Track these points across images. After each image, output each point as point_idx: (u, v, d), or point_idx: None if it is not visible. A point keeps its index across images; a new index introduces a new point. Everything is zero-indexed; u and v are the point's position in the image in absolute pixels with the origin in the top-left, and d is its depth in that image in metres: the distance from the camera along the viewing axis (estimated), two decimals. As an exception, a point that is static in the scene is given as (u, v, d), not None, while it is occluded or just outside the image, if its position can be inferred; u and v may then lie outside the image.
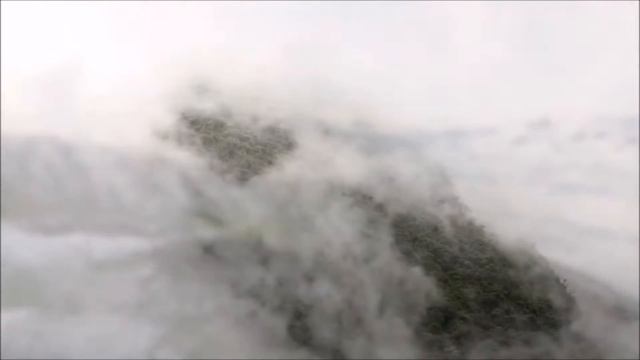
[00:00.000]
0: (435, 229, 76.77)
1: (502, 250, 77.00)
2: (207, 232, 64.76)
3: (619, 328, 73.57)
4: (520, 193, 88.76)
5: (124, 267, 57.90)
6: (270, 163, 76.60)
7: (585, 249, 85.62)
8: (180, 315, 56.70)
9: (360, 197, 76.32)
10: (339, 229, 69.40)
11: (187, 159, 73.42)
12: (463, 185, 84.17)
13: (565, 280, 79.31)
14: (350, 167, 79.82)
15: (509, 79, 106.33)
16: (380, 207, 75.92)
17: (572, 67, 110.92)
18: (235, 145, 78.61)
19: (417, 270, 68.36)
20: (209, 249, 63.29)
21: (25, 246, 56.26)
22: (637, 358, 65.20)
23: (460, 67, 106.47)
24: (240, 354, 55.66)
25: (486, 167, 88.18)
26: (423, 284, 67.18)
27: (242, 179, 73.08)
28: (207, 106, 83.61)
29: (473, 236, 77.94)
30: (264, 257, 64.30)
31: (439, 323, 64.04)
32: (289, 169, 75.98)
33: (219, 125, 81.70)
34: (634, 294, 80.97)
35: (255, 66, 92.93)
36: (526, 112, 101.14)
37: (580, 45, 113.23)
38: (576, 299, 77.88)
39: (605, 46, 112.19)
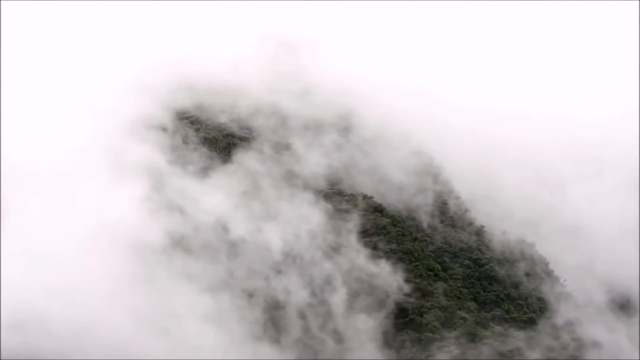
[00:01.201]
0: (435, 229, 76.85)
1: (502, 250, 77.19)
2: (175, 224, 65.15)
3: (618, 326, 73.74)
4: (520, 193, 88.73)
5: (95, 259, 57.95)
6: (243, 156, 76.56)
7: (586, 247, 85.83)
8: (149, 308, 56.90)
9: (342, 193, 76.39)
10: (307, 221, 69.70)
11: (157, 151, 73.58)
12: (463, 185, 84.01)
13: (565, 280, 79.65)
14: (330, 161, 79.92)
15: (508, 77, 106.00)
16: (375, 206, 75.59)
17: (572, 67, 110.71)
18: (210, 138, 78.83)
19: (417, 270, 68.50)
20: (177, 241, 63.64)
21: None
22: (637, 358, 65.34)
23: (458, 65, 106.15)
24: (210, 349, 55.91)
25: (486, 167, 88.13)
26: (422, 284, 67.34)
27: (212, 171, 73.38)
28: (182, 100, 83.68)
29: (473, 236, 78.05)
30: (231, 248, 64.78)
31: (439, 323, 64.08)
32: (263, 162, 76.11)
33: (194, 119, 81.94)
34: (633, 291, 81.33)
35: (232, 61, 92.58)
36: (525, 110, 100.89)
37: (579, 45, 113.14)
38: (575, 297, 78.27)
39: (605, 46, 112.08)
